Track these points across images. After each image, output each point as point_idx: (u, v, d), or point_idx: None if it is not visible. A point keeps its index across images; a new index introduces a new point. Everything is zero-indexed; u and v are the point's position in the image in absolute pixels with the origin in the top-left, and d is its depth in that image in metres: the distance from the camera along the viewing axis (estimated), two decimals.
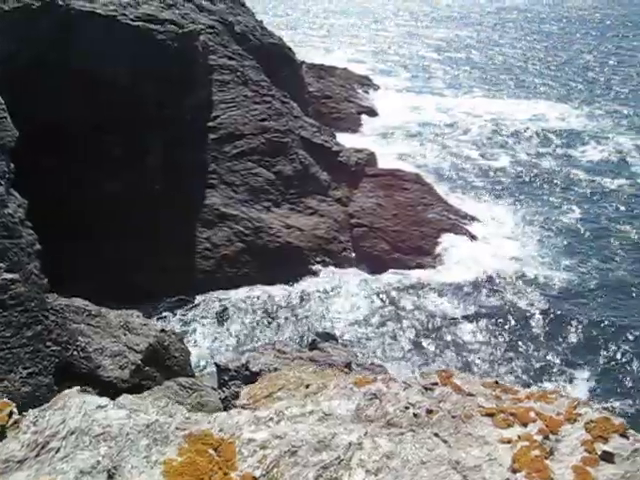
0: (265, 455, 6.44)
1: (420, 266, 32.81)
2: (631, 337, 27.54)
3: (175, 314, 29.46)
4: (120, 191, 29.93)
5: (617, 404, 24.28)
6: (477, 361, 26.66)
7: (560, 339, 27.55)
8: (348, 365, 23.02)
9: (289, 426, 7.46)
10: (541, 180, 40.23)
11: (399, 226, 34.35)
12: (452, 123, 47.93)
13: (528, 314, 29.10)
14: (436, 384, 8.48)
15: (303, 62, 47.75)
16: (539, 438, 7.40)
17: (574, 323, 28.47)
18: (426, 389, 8.41)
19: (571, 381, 25.53)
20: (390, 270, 32.66)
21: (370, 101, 48.26)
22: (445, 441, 7.43)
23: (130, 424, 6.31)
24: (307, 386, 8.48)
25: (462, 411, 7.87)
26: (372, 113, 47.76)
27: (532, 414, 7.78)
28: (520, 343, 27.51)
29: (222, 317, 29.57)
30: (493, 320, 28.93)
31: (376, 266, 33.03)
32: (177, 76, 31.79)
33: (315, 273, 32.75)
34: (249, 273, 32.17)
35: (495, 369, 25.93)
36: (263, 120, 36.23)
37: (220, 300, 30.51)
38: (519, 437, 7.61)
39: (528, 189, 39.46)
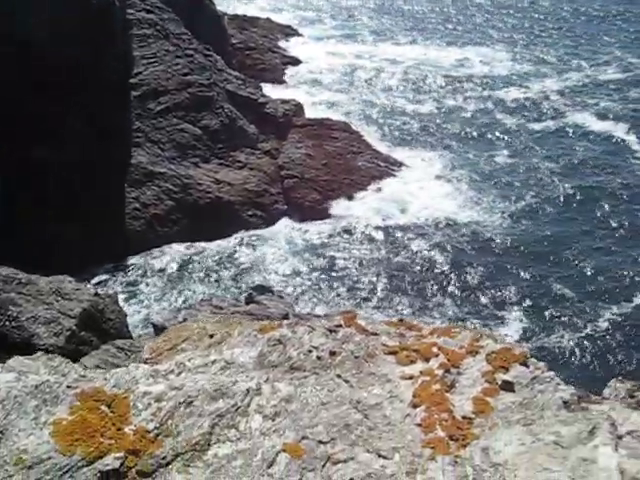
0: (160, 407, 6.35)
1: (353, 218, 32.87)
2: (561, 278, 28.15)
3: (109, 277, 29.08)
4: (45, 155, 29.11)
5: (547, 341, 24.99)
6: (407, 305, 27.02)
7: (492, 282, 28.02)
8: (285, 316, 23.11)
9: (189, 377, 7.36)
10: (468, 124, 40.57)
11: (329, 175, 34.35)
12: (378, 70, 47.68)
13: (460, 258, 29.50)
14: (340, 326, 8.51)
15: (225, 14, 46.76)
16: (440, 372, 7.51)
17: (505, 266, 28.98)
18: (330, 331, 8.43)
19: (503, 322, 26.08)
20: (322, 219, 32.66)
21: (294, 51, 47.57)
22: (347, 381, 7.47)
23: (18, 387, 6.15)
24: (211, 336, 8.39)
25: (365, 351, 7.92)
26: (297, 63, 47.19)
27: (435, 349, 7.89)
28: (452, 287, 27.91)
29: (156, 276, 29.25)
30: (425, 265, 29.27)
31: (308, 216, 33.03)
32: (95, 33, 30.76)
33: (247, 227, 32.57)
34: (181, 231, 31.87)
35: (427, 313, 26.34)
36: (186, 75, 35.51)
37: (153, 259, 30.15)
38: (421, 373, 7.71)
39: (455, 133, 39.73)
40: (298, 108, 37.26)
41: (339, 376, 7.62)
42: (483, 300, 27.14)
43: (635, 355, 23.97)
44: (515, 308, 26.59)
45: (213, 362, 8.07)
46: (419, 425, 6.86)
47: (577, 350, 24.41)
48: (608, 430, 7.04)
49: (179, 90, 34.91)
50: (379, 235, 31.24)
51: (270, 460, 6.24)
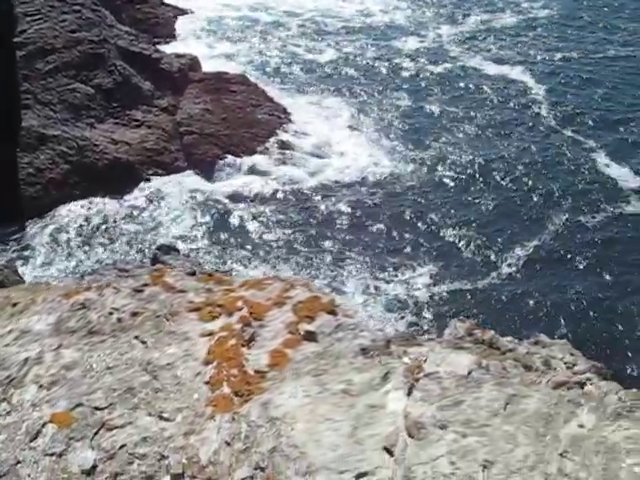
0: None
1: (255, 172, 32.49)
2: (471, 222, 28.42)
3: (7, 247, 28.08)
4: None
5: (459, 286, 25.26)
6: (314, 263, 26.85)
7: (409, 233, 28.01)
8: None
9: None
10: (369, 72, 40.41)
11: (229, 129, 33.77)
12: (275, 21, 46.81)
13: (374, 210, 29.42)
14: (147, 285, 8.21)
15: None
16: (239, 327, 7.32)
17: (417, 214, 29.03)
18: (136, 291, 8.12)
19: (414, 270, 26.17)
20: (224, 174, 32.21)
21: (187, 3, 46.12)
22: (144, 342, 7.20)
23: None
24: (14, 305, 8.02)
25: (168, 309, 7.65)
26: (191, 15, 45.82)
27: (240, 303, 7.67)
28: (368, 241, 27.80)
29: (58, 242, 28.45)
30: (335, 219, 29.11)
31: (210, 172, 32.50)
32: None
33: (149, 187, 31.91)
34: (80, 194, 31.02)
35: (335, 271, 26.20)
36: (74, 31, 34.10)
37: (53, 225, 29.28)
38: (221, 328, 7.48)
39: (357, 81, 39.49)
40: (194, 62, 36.30)
41: (137, 337, 7.34)
42: (398, 250, 27.18)
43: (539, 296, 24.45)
44: (426, 255, 26.75)
45: (10, 332, 7.69)
46: (207, 383, 6.69)
47: (485, 295, 24.76)
48: (402, 374, 7.00)
49: (68, 48, 33.54)
50: (285, 190, 30.94)
51: (34, 432, 5.96)
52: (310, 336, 7.26)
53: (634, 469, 5.40)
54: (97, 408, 6.30)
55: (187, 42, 41.78)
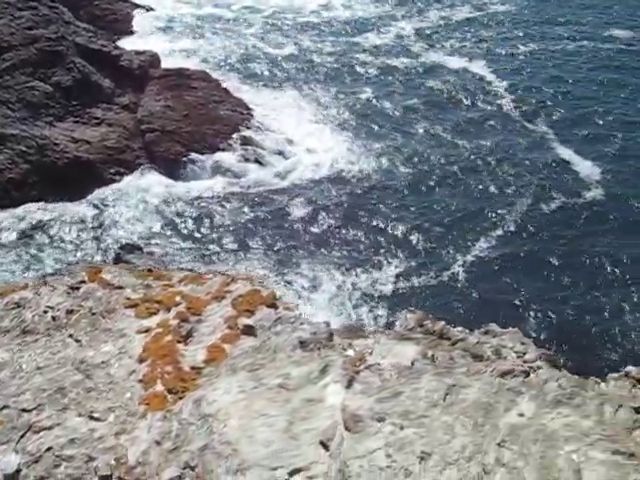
0: None
1: (219, 169, 32.15)
2: (433, 216, 28.36)
3: None
4: None
5: (421, 280, 25.13)
6: (277, 260, 26.54)
7: (363, 228, 27.84)
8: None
9: None
10: (330, 67, 40.24)
11: (192, 126, 33.33)
12: (237, 17, 46.51)
13: (338, 206, 29.15)
14: (83, 282, 7.99)
15: None
16: (175, 323, 7.14)
17: (379, 210, 28.91)
18: (72, 289, 7.90)
19: (380, 268, 25.99)
20: (188, 172, 31.84)
21: None
22: (78, 341, 6.99)
23: None
24: None
25: (105, 307, 7.45)
26: (150, 11, 45.30)
27: (178, 298, 7.49)
28: (324, 236, 27.58)
29: (19, 243, 27.90)
30: (298, 217, 28.84)
31: (173, 170, 32.08)
32: None
33: (111, 185, 31.42)
34: (40, 194, 30.43)
35: (297, 267, 25.94)
36: (31, 28, 33.49)
37: (12, 225, 28.70)
38: (158, 325, 7.28)
39: (319, 76, 39.30)
40: (154, 59, 35.84)
41: (71, 336, 7.13)
42: (362, 245, 27.00)
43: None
44: (388, 249, 26.65)
45: None
46: (141, 381, 6.50)
47: (446, 287, 24.73)
48: (342, 367, 6.89)
49: (25, 45, 32.94)
50: (248, 187, 30.66)
51: None
52: (249, 330, 7.11)
53: (572, 456, 5.33)
54: (24, 410, 6.07)
55: (147, 39, 41.27)
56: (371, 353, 7.38)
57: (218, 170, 32.16)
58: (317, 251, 26.75)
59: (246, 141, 33.19)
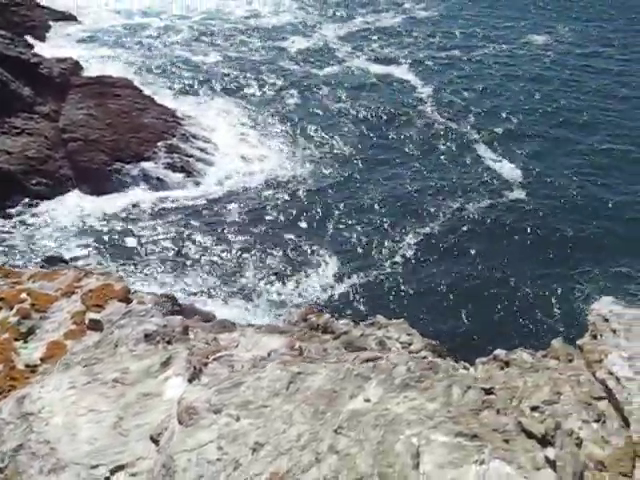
0: None
1: (145, 178, 31.56)
2: (365, 218, 28.34)
3: None
4: None
5: (357, 279, 24.97)
6: (210, 269, 26.06)
7: (309, 232, 27.66)
8: None
9: None
10: (255, 73, 40.15)
11: (116, 135, 32.70)
12: (165, 25, 46.07)
13: (272, 212, 28.92)
14: None
15: None
16: (15, 320, 6.71)
17: (311, 212, 28.77)
18: None
19: (316, 271, 25.73)
20: (112, 182, 31.15)
21: (67, 4, 44.65)
22: None
23: None
24: None
25: None
26: (71, 18, 44.44)
27: (24, 295, 7.06)
28: (258, 241, 27.28)
29: None
30: (228, 222, 28.47)
31: (98, 179, 31.35)
32: None
33: (33, 196, 30.52)
34: None
35: (231, 275, 25.55)
36: None
37: None
38: None
39: (245, 82, 39.13)
40: (75, 67, 35.15)
41: None
42: (297, 250, 26.77)
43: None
44: (326, 252, 26.48)
45: None
46: None
47: (379, 284, 24.70)
48: (185, 359, 6.59)
49: None
50: (174, 196, 30.14)
51: None
52: (95, 325, 6.74)
53: (412, 440, 5.11)
54: None
55: (69, 47, 40.39)
56: (236, 346, 7.04)
57: (144, 179, 31.61)
58: (252, 257, 26.45)
59: (172, 149, 32.73)
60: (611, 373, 4.91)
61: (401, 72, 40.82)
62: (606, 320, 5.26)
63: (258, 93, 38.03)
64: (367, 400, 5.60)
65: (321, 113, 36.22)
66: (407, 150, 32.87)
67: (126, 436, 5.22)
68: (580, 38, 47.21)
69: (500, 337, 20.36)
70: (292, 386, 5.76)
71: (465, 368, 7.03)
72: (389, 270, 25.60)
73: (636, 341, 4.81)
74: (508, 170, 31.35)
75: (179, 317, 7.10)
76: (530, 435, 5.50)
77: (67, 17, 43.33)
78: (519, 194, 29.63)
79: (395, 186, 30.39)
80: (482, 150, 32.94)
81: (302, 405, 5.46)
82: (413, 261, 25.94)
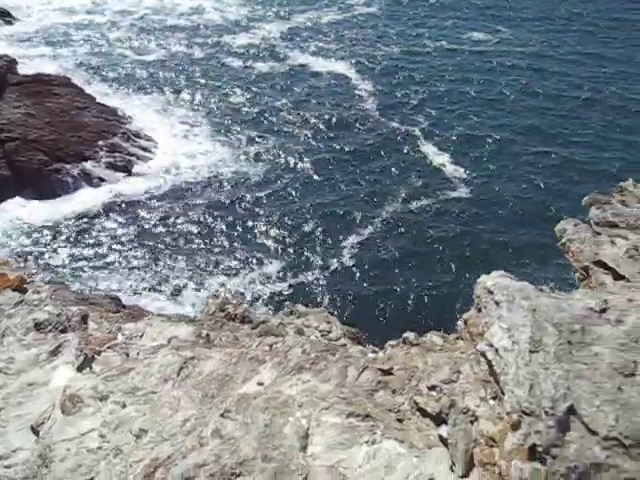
0: None
1: (86, 178, 30.97)
2: (310, 217, 28.22)
3: None
4: None
5: (300, 277, 24.84)
6: (157, 269, 25.70)
7: (243, 230, 27.48)
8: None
9: None
10: (199, 70, 39.86)
11: (55, 134, 32.05)
12: (108, 21, 45.39)
13: (218, 211, 28.61)
14: None
15: None
16: None
17: (260, 211, 28.58)
18: None
19: (259, 267, 25.52)
20: (52, 182, 30.51)
21: (6, 2, 43.70)
22: None
23: None
24: None
25: None
26: (10, 16, 43.46)
27: None
28: (206, 240, 27.00)
29: None
30: (175, 222, 28.12)
31: (38, 180, 30.68)
32: None
33: None
34: None
35: (181, 275, 25.22)
36: None
37: None
38: None
39: (188, 79, 38.76)
40: (11, 64, 34.30)
41: None
42: (241, 246, 26.59)
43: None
44: (269, 249, 26.40)
45: None
46: None
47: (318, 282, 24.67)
48: (76, 347, 6.40)
49: None
50: (118, 195, 29.67)
51: None
52: None
53: (301, 422, 4.99)
54: None
55: (5, 45, 39.48)
56: (141, 336, 6.83)
57: (85, 179, 31.06)
58: (197, 254, 26.22)
59: (113, 148, 32.27)
60: (491, 345, 4.86)
61: (344, 70, 40.97)
62: (491, 292, 5.22)
63: (201, 90, 37.67)
64: (260, 383, 5.47)
65: (264, 111, 36.06)
66: (349, 150, 32.84)
67: (4, 427, 4.99)
68: (526, 38, 47.98)
69: (425, 325, 20.53)
70: (184, 371, 5.59)
71: (374, 352, 6.95)
72: (332, 267, 25.58)
73: (517, 312, 4.76)
74: (451, 169, 31.55)
75: (77, 307, 6.87)
76: (425, 414, 5.43)
77: (5, 15, 42.35)
78: (462, 192, 29.81)
79: (337, 186, 30.37)
80: (425, 150, 33.12)
81: (191, 390, 5.29)
82: (354, 260, 25.94)
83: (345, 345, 8.66)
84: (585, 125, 35.11)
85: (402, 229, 27.50)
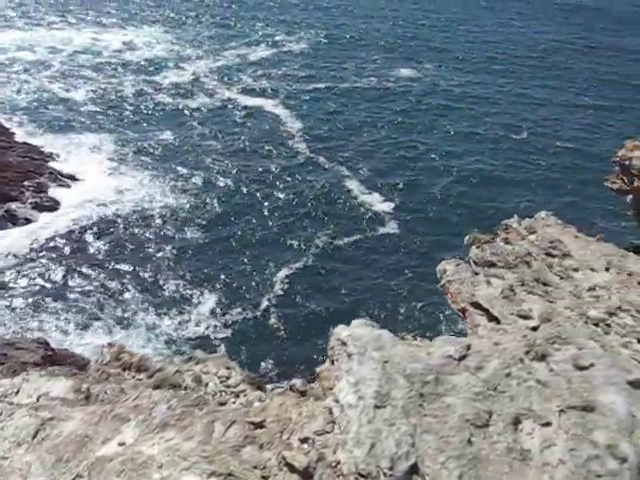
0: None
1: (11, 218, 30.13)
2: (237, 252, 27.92)
3: None
4: None
5: (234, 316, 24.44)
6: (83, 308, 24.99)
7: (172, 267, 26.94)
8: None
9: None
10: (129, 107, 39.47)
11: None
12: (37, 59, 44.79)
13: (148, 248, 28.00)
14: None
15: None
16: None
17: (191, 247, 28.16)
18: None
19: (199, 303, 25.09)
20: None
21: None
22: None
23: None
24: None
25: None
26: None
27: None
28: (137, 278, 26.36)
29: None
30: (105, 260, 27.38)
31: None
32: None
33: None
34: None
35: (113, 313, 24.56)
36: None
37: None
38: None
39: (117, 117, 38.32)
40: None
41: None
42: (169, 284, 26.03)
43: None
44: (200, 287, 25.91)
45: None
46: None
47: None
48: None
49: None
50: (45, 236, 28.85)
51: None
52: None
53: None
54: None
55: None
56: (17, 392, 6.51)
57: (11, 219, 30.22)
58: (125, 290, 25.63)
59: (40, 188, 31.54)
60: (337, 401, 4.71)
61: (272, 106, 41.11)
62: (344, 344, 5.09)
63: (130, 128, 37.25)
64: (121, 444, 5.22)
65: (192, 147, 35.82)
66: (278, 186, 32.74)
67: None
68: (450, 76, 49.27)
69: None
70: (40, 434, 5.31)
71: (260, 400, 6.74)
72: (258, 305, 25.26)
73: (367, 364, 4.64)
74: (378, 203, 31.79)
75: None
76: (293, 469, 5.25)
77: None
78: (390, 227, 30.01)
79: (265, 223, 30.14)
80: (351, 184, 33.22)
81: (45, 455, 5.01)
82: (284, 295, 25.71)
83: (244, 391, 8.46)
84: (504, 163, 36.16)
85: (330, 264, 27.40)
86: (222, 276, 26.59)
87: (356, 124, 39.57)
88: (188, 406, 5.67)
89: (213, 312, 24.82)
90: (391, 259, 27.72)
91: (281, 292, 25.82)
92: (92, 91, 40.92)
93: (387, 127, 39.58)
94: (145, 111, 39.16)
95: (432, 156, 36.63)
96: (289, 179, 33.28)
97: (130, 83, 42.36)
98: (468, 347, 4.85)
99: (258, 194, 32.01)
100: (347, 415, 4.39)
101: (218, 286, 26.04)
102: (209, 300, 25.47)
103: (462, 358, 4.74)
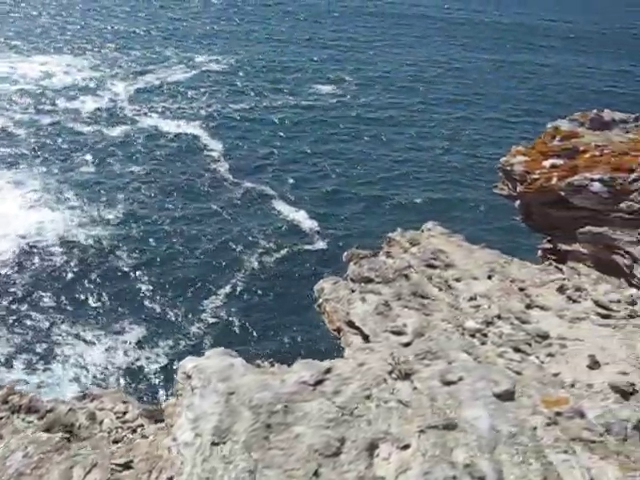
0: None
1: None
2: (170, 279, 27.60)
3: None
4: None
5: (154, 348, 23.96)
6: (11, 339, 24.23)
7: (102, 298, 26.38)
8: None
9: None
10: (46, 138, 38.63)
11: None
12: None
13: (77, 278, 27.33)
14: None
15: None
16: None
17: (116, 278, 27.54)
18: None
19: (124, 332, 24.51)
20: None
21: None
22: None
23: None
24: None
25: None
26: None
27: None
28: (63, 310, 25.68)
29: None
30: (28, 294, 26.58)
31: None
32: None
33: None
34: None
35: (37, 347, 23.81)
36: None
37: None
38: None
39: (33, 150, 37.42)
40: None
41: None
42: (99, 313, 25.53)
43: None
44: (131, 315, 25.48)
45: None
46: None
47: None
48: None
49: None
50: None
51: None
52: None
53: None
54: None
55: None
56: None
57: None
58: (51, 322, 24.98)
59: None
60: (175, 439, 4.50)
61: (194, 129, 41.06)
62: (189, 377, 4.89)
63: (49, 159, 36.39)
64: None
65: (113, 176, 35.29)
66: (201, 208, 32.71)
67: None
68: (363, 87, 50.50)
69: None
70: None
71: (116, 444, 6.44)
72: (187, 334, 24.99)
73: (209, 398, 4.44)
74: (306, 221, 32.00)
75: None
76: None
77: None
78: (319, 245, 30.18)
79: (191, 249, 29.84)
80: (279, 208, 33.34)
81: None
82: (216, 318, 25.51)
83: (142, 426, 8.17)
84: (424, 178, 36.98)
85: (260, 287, 27.30)
86: (150, 305, 26.20)
87: (277, 145, 39.84)
88: (47, 452, 5.38)
89: (139, 343, 24.38)
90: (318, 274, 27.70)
91: (212, 319, 25.68)
92: (7, 122, 39.87)
93: (307, 143, 39.92)
94: (64, 141, 38.33)
95: (349, 171, 37.24)
96: (213, 204, 33.33)
97: (48, 112, 41.49)
98: (328, 370, 4.70)
99: (182, 221, 31.77)
100: (182, 455, 4.17)
101: (144, 316, 25.65)
102: (136, 330, 25.06)
103: (318, 383, 4.57)
